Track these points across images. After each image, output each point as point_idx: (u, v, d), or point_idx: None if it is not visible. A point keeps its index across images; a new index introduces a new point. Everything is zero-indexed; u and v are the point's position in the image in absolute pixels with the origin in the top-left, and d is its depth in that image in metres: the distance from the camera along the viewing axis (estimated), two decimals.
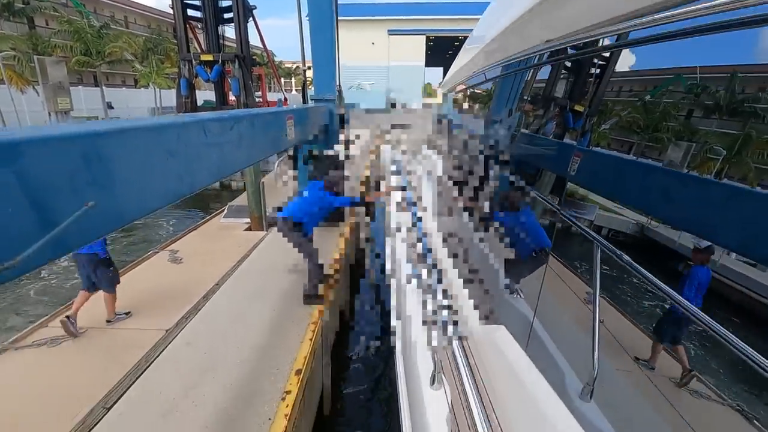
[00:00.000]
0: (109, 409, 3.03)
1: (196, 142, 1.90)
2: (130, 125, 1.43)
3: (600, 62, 2.66)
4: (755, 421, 1.45)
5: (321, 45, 6.05)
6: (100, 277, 4.21)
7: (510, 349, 2.10)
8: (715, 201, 1.48)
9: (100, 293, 4.34)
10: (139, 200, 1.47)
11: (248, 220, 7.82)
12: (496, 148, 3.99)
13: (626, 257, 1.64)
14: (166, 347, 3.71)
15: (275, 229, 6.98)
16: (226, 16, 11.57)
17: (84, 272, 4.21)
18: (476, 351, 2.44)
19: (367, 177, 10.21)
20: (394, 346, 3.08)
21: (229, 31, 9.08)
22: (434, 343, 1.95)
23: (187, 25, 9.75)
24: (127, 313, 4.55)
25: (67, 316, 4.12)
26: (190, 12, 9.33)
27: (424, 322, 2.48)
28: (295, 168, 6.52)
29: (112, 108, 24.86)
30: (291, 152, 6.19)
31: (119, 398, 3.09)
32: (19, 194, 0.97)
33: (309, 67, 6.15)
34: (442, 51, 42.25)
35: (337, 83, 6.51)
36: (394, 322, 3.39)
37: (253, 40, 9.87)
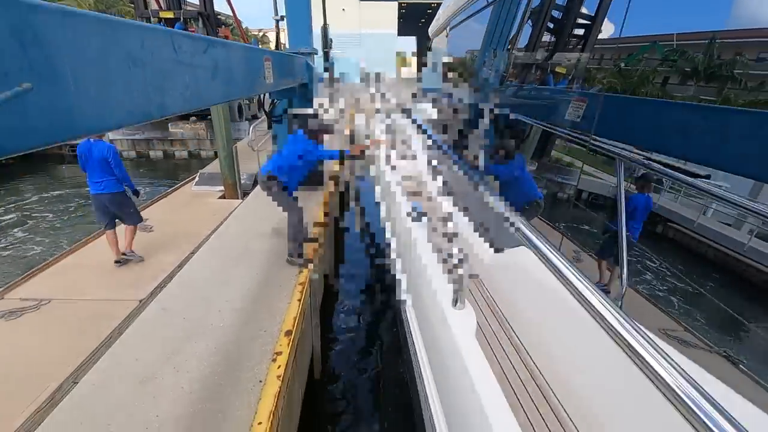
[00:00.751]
0: (77, 383, 2.75)
1: (164, 56, 1.58)
2: (75, 11, 1.12)
3: (584, 22, 2.65)
4: (741, 366, 1.48)
5: None
6: (125, 211, 4.45)
7: (534, 267, 2.01)
8: (737, 130, 1.40)
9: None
10: (94, 106, 1.17)
11: (222, 187, 7.39)
12: (487, 93, 3.84)
13: (655, 165, 1.55)
14: (140, 314, 3.42)
15: (251, 195, 6.67)
16: None
17: (105, 211, 4.32)
18: (498, 270, 2.35)
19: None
20: (396, 279, 3.04)
21: None
22: (453, 265, 1.80)
23: None
24: (140, 258, 4.62)
25: (124, 253, 4.53)
26: None
27: (437, 248, 2.36)
28: (270, 128, 6.11)
29: None
30: (267, 109, 5.77)
31: (90, 370, 2.82)
32: None
33: (282, 17, 5.66)
34: (414, 19, 41.09)
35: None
36: (393, 254, 3.37)
37: (219, 7, 9.11)
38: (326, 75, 8.14)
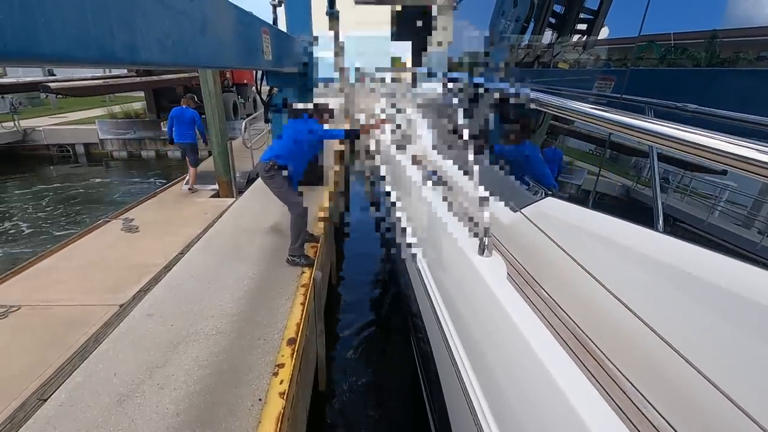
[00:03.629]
0: (46, 399, 2.35)
1: None
2: None
3: (587, 17, 2.66)
4: None
5: None
6: (193, 156, 6.69)
7: (565, 213, 1.94)
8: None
9: None
10: (26, 27, 0.80)
11: (215, 186, 6.99)
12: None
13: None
14: (122, 322, 3.01)
15: (247, 193, 6.29)
16: None
17: (183, 154, 6.81)
18: (523, 223, 2.23)
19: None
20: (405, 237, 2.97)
21: None
22: (478, 214, 1.74)
23: None
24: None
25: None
26: None
27: (457, 203, 2.27)
28: (268, 121, 5.74)
29: (54, 75, 22.54)
30: (266, 98, 5.39)
31: (60, 386, 2.41)
32: None
33: (280, 2, 5.30)
34: (409, 23, 40.96)
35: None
36: (400, 212, 3.33)
37: None
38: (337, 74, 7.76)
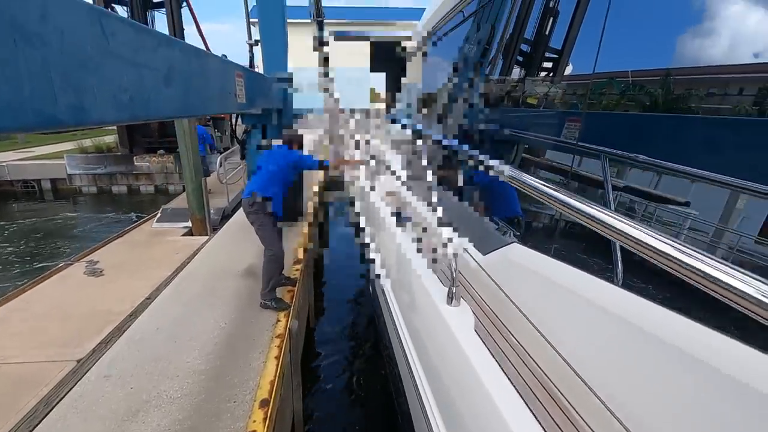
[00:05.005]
0: None
1: (84, 38, 1.11)
2: None
3: (552, 56, 2.75)
4: None
5: (270, 16, 5.23)
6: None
7: (529, 261, 1.98)
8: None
9: None
10: None
11: (187, 223, 6.74)
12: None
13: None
14: (76, 383, 2.74)
15: (221, 230, 6.07)
16: (156, 0, 10.41)
17: None
18: (490, 269, 2.22)
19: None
20: (376, 278, 2.94)
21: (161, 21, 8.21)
22: (447, 260, 1.79)
23: (109, 8, 8.60)
24: None
25: None
26: None
27: (425, 248, 2.33)
28: (243, 158, 5.62)
29: None
30: (241, 137, 5.29)
31: None
32: None
33: (256, 41, 5.31)
34: (385, 55, 42.33)
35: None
36: (373, 253, 3.29)
37: (189, 40, 8.84)
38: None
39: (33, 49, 0.92)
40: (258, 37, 5.20)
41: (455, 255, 1.77)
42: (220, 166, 8.01)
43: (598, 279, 1.56)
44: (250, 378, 2.67)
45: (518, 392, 1.35)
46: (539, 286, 1.86)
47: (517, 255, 2.07)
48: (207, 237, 6.24)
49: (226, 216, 7.48)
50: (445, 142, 3.70)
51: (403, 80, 8.49)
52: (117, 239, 6.18)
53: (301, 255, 4.63)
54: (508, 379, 1.42)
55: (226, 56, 3.25)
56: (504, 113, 3.34)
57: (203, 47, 9.22)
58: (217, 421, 2.33)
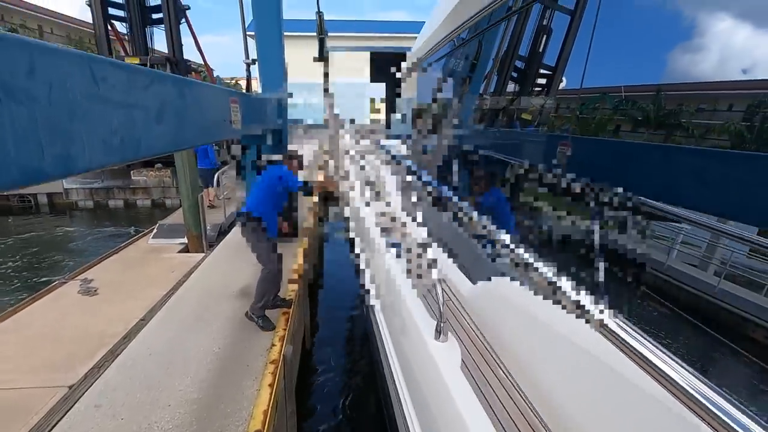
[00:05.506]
0: None
1: (74, 87, 1.11)
2: None
3: (546, 72, 2.80)
4: None
5: (268, 35, 5.27)
6: (209, 180, 8.07)
7: (517, 296, 2.03)
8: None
9: None
10: None
11: (183, 240, 6.71)
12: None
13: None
14: (66, 412, 2.69)
15: (218, 247, 6.04)
16: (155, 16, 10.48)
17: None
18: (480, 300, 2.31)
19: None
20: (370, 307, 2.94)
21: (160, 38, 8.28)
22: (437, 295, 1.79)
23: (108, 24, 8.68)
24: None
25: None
26: (113, 11, 8.31)
27: (416, 280, 2.34)
28: (239, 175, 5.62)
29: None
30: (237, 157, 5.31)
31: None
32: None
33: (254, 60, 5.34)
34: (386, 68, 42.79)
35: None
36: (368, 283, 3.27)
37: (190, 55, 8.94)
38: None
39: (19, 105, 0.92)
40: (255, 56, 5.23)
41: (442, 287, 1.77)
42: (217, 182, 8.03)
43: (580, 320, 1.58)
44: (243, 407, 2.63)
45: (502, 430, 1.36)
46: (522, 323, 1.89)
47: (504, 289, 2.10)
48: (203, 254, 6.20)
49: (222, 232, 7.46)
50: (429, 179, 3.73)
51: (399, 93, 8.58)
52: (112, 256, 6.14)
53: (296, 276, 4.59)
54: (495, 415, 1.46)
55: (220, 77, 3.27)
56: (491, 133, 3.36)
57: (201, 60, 9.29)
58: None
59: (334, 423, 4.25)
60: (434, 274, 1.77)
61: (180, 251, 6.52)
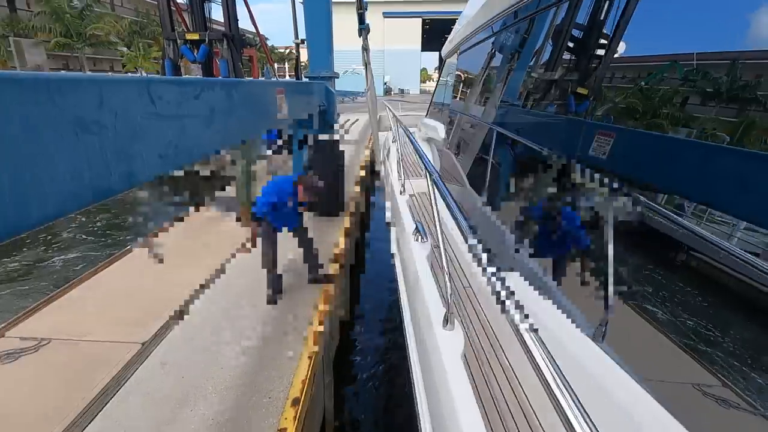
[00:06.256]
0: None
1: (135, 111, 1.27)
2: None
3: (603, 42, 2.62)
4: None
5: (315, 16, 5.33)
6: None
7: (521, 293, 2.00)
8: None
9: None
10: (15, 207, 0.85)
11: (238, 212, 7.19)
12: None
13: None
14: (138, 368, 3.12)
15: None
16: None
17: None
18: (487, 294, 2.33)
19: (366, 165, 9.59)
20: (399, 290, 3.02)
21: (218, 13, 8.45)
22: (446, 285, 1.82)
23: (171, 2, 9.05)
24: None
25: None
26: None
27: (432, 266, 2.38)
28: (290, 154, 5.88)
29: None
30: (285, 137, 5.54)
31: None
32: None
33: (302, 41, 5.45)
34: (438, 35, 41.22)
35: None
36: (398, 265, 3.31)
37: (244, 24, 9.16)
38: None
39: (92, 135, 1.09)
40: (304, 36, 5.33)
41: (449, 276, 1.80)
42: (270, 154, 8.40)
43: (582, 334, 1.61)
44: (284, 375, 2.92)
45: (499, 420, 1.45)
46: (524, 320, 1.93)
47: (512, 285, 2.13)
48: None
49: None
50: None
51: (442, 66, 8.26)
52: (176, 224, 6.74)
53: (339, 252, 4.82)
54: (483, 404, 1.54)
55: (274, 47, 3.39)
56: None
57: (254, 30, 9.52)
58: (254, 414, 2.59)
59: (368, 396, 4.54)
60: (444, 262, 1.78)
61: (236, 221, 7.01)
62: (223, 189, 8.42)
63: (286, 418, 2.52)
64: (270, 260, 3.88)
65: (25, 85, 0.87)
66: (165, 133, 1.45)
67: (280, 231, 3.86)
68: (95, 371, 3.23)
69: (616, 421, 1.38)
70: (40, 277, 7.50)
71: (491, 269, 2.53)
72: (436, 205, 1.97)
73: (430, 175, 2.06)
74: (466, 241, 1.79)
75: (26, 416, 2.74)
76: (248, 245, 5.36)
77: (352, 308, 5.75)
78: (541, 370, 1.69)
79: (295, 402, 2.64)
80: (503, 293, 2.24)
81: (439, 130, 5.20)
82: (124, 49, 23.29)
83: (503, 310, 2.21)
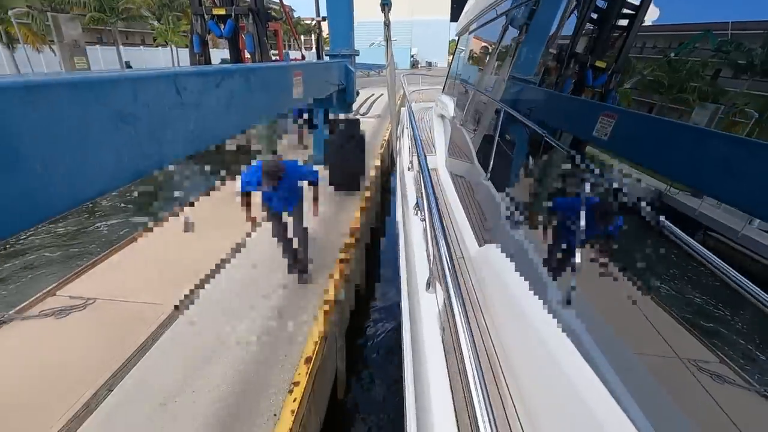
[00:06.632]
0: (111, 390, 2.85)
1: (164, 102, 1.48)
2: (51, 81, 1.03)
3: (628, 12, 2.53)
4: None
5: None
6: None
7: (500, 264, 2.20)
8: None
9: None
10: (70, 183, 1.08)
11: None
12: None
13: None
14: (170, 326, 3.49)
15: None
16: None
17: None
18: (469, 262, 2.53)
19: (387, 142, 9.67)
20: (399, 257, 3.15)
21: None
22: (429, 253, 1.95)
23: None
24: None
25: None
26: None
27: (425, 236, 2.48)
28: (310, 131, 6.07)
29: (130, 68, 24.64)
30: (306, 115, 5.72)
31: (121, 381, 2.91)
32: None
33: (324, 18, 5.52)
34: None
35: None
36: (400, 234, 3.46)
37: None
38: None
39: (128, 125, 1.31)
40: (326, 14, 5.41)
41: (434, 244, 1.82)
42: (291, 130, 8.63)
43: (540, 301, 1.76)
44: (300, 334, 3.23)
45: (450, 385, 1.55)
46: (500, 292, 2.06)
47: (492, 256, 2.25)
48: None
49: None
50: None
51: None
52: (205, 196, 7.14)
53: (355, 225, 5.05)
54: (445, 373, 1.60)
55: (300, 19, 3.45)
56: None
57: (282, 7, 9.59)
58: (271, 370, 2.91)
59: (378, 358, 4.85)
60: (429, 234, 1.82)
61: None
62: (249, 163, 8.74)
63: (299, 374, 2.82)
64: (279, 233, 3.98)
65: (79, 87, 1.08)
66: (189, 119, 1.66)
67: (280, 213, 3.93)
68: (134, 328, 3.62)
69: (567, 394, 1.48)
70: (86, 241, 8.11)
71: (475, 244, 2.68)
72: (423, 182, 2.06)
73: (417, 157, 2.16)
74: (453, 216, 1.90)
75: (77, 366, 3.13)
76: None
77: (368, 278, 6.04)
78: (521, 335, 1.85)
79: (308, 360, 2.94)
80: (483, 266, 2.41)
81: (449, 106, 5.25)
82: (155, 22, 23.74)
83: (480, 281, 2.37)
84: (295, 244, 4.09)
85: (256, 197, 3.77)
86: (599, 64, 2.95)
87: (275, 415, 2.53)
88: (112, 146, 1.24)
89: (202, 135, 1.75)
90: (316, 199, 3.93)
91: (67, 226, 8.62)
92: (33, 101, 0.96)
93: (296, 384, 2.73)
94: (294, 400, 2.60)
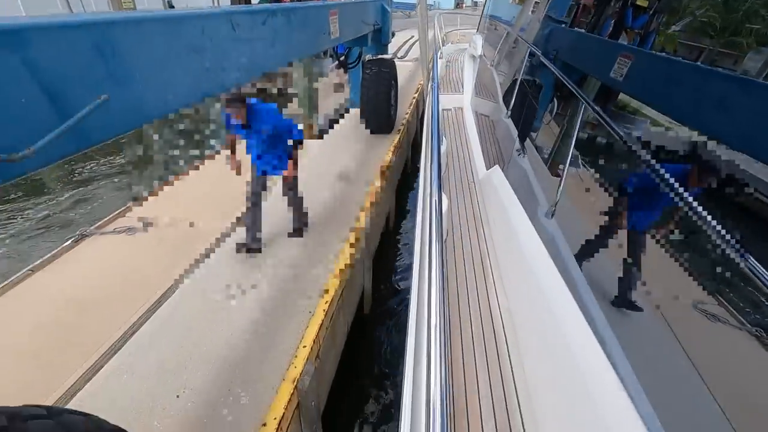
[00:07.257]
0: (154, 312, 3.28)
1: (223, 36, 1.81)
2: (145, 16, 1.37)
3: None
4: None
5: None
6: None
7: (498, 181, 2.46)
8: None
9: None
10: (160, 97, 1.45)
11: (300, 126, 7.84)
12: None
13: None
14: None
15: (326, 138, 7.01)
16: None
17: None
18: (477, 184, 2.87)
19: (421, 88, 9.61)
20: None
21: None
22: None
23: None
24: None
25: None
26: None
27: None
28: (345, 73, 6.25)
29: (173, 8, 24.79)
30: (341, 57, 5.87)
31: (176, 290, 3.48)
32: (30, 83, 0.97)
33: None
34: None
35: None
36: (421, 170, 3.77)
37: None
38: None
39: (197, 54, 1.65)
40: None
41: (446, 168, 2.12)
42: (330, 72, 8.75)
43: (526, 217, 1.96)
44: (332, 254, 3.69)
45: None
46: (496, 210, 2.27)
47: (495, 178, 2.48)
48: (315, 142, 7.28)
49: (331, 123, 8.42)
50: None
51: None
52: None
53: (385, 165, 5.36)
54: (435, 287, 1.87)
55: None
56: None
57: None
58: (305, 282, 3.41)
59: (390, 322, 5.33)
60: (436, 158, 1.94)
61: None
62: (285, 106, 9.01)
63: (330, 284, 3.32)
64: (251, 198, 3.72)
65: (168, 22, 1.43)
66: (241, 52, 1.98)
67: (266, 175, 3.77)
68: (192, 245, 4.21)
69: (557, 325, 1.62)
70: (145, 175, 8.93)
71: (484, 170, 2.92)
72: (429, 120, 2.25)
73: (430, 96, 2.34)
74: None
75: (148, 272, 3.74)
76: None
77: (396, 219, 6.44)
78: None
79: (340, 272, 3.42)
80: (487, 186, 2.68)
81: (478, 47, 5.25)
82: None
83: (486, 197, 2.62)
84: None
85: (242, 144, 3.64)
86: (640, 2, 2.84)
87: (310, 312, 3.05)
88: (188, 70, 1.60)
89: (251, 66, 2.08)
90: (290, 157, 3.57)
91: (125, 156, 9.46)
92: (138, 31, 1.32)
93: (327, 291, 3.24)
94: (326, 303, 3.11)
